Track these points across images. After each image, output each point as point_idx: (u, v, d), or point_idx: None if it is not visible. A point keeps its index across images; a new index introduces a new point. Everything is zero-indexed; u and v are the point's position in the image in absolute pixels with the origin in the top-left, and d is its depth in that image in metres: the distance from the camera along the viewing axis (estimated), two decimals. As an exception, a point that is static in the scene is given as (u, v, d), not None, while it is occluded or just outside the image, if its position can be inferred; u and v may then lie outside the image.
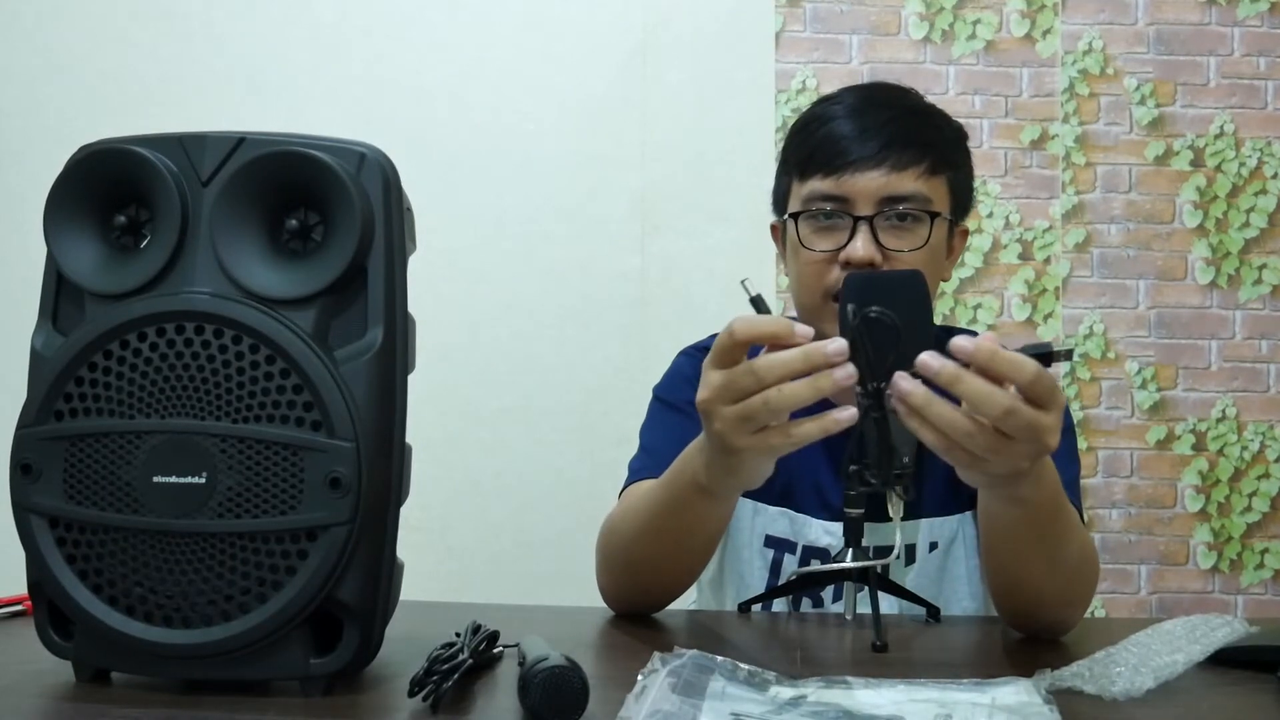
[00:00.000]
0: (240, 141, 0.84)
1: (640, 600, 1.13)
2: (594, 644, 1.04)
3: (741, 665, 0.82)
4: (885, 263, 1.15)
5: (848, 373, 0.81)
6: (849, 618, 1.10)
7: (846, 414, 0.82)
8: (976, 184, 1.28)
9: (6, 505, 0.84)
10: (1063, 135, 2.35)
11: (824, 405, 0.91)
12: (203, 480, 0.80)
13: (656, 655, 0.82)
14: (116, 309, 0.83)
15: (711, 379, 0.86)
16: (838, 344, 0.82)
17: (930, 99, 1.26)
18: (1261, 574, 2.35)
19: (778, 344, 0.84)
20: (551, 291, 2.32)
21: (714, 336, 1.35)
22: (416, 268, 0.87)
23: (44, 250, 0.86)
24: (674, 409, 1.27)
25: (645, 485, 1.14)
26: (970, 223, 1.29)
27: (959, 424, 0.80)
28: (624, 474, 1.24)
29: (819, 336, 1.22)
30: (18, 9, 2.35)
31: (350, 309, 0.84)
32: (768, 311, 0.91)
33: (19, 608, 1.11)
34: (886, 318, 0.84)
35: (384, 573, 0.84)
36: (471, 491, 2.29)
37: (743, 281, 0.92)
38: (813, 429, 0.83)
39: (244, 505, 0.80)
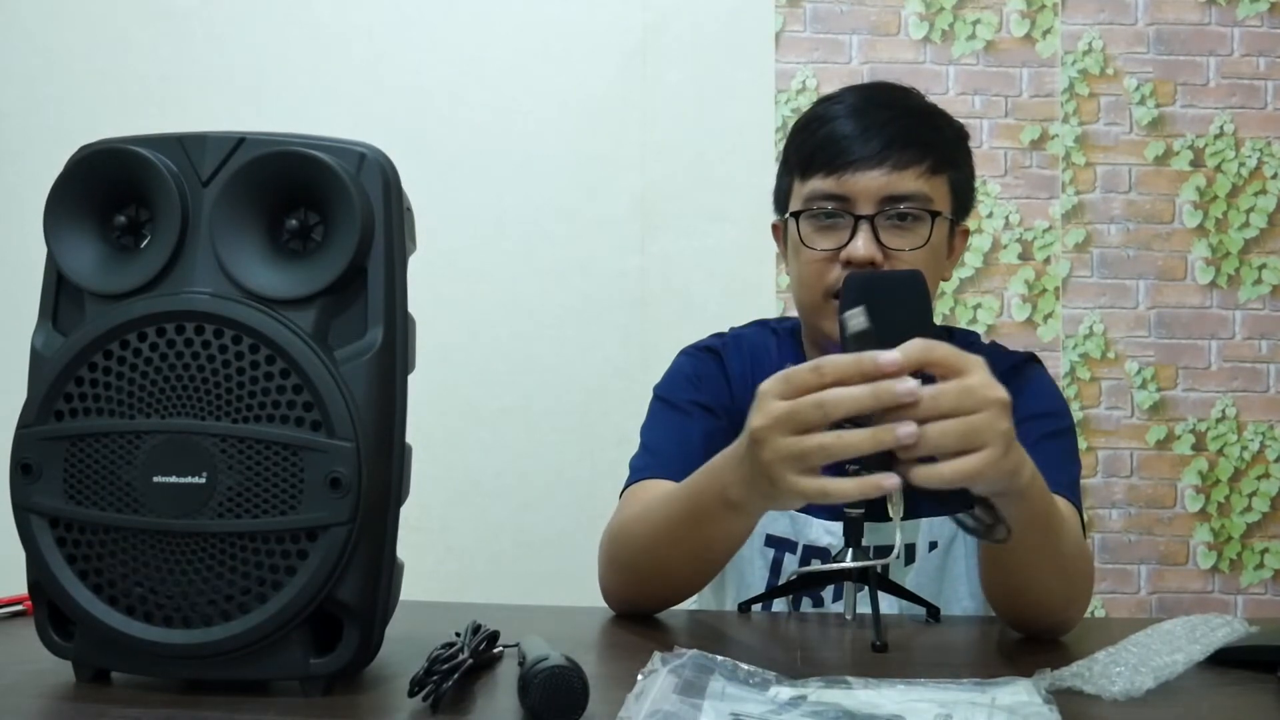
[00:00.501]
0: (240, 141, 0.84)
1: (645, 603, 1.13)
2: (594, 644, 1.04)
3: (742, 665, 0.82)
4: (886, 261, 1.15)
5: (911, 431, 0.77)
6: (849, 618, 1.10)
7: (890, 481, 0.78)
8: (976, 184, 1.28)
9: (6, 505, 0.84)
10: (1063, 135, 2.35)
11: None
12: (203, 480, 0.80)
13: (657, 655, 0.82)
14: (116, 309, 0.83)
15: (772, 408, 0.81)
16: (908, 385, 0.77)
17: (930, 99, 1.26)
18: (1261, 574, 2.35)
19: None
20: (551, 291, 2.32)
21: (715, 336, 1.36)
22: (416, 268, 0.87)
23: (44, 250, 0.86)
24: (676, 408, 1.27)
25: (657, 490, 1.14)
26: (970, 223, 1.29)
27: (931, 432, 0.77)
28: (624, 474, 1.24)
29: (819, 335, 1.23)
30: (18, 9, 2.35)
31: (350, 309, 0.84)
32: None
33: (19, 608, 1.11)
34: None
35: (384, 573, 0.84)
36: (471, 491, 2.29)
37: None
38: (851, 489, 0.80)
39: (244, 505, 0.80)
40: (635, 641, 1.03)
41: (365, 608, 0.83)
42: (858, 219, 1.16)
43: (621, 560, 1.13)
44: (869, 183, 1.16)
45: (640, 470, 1.21)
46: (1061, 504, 1.12)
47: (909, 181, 1.16)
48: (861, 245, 1.15)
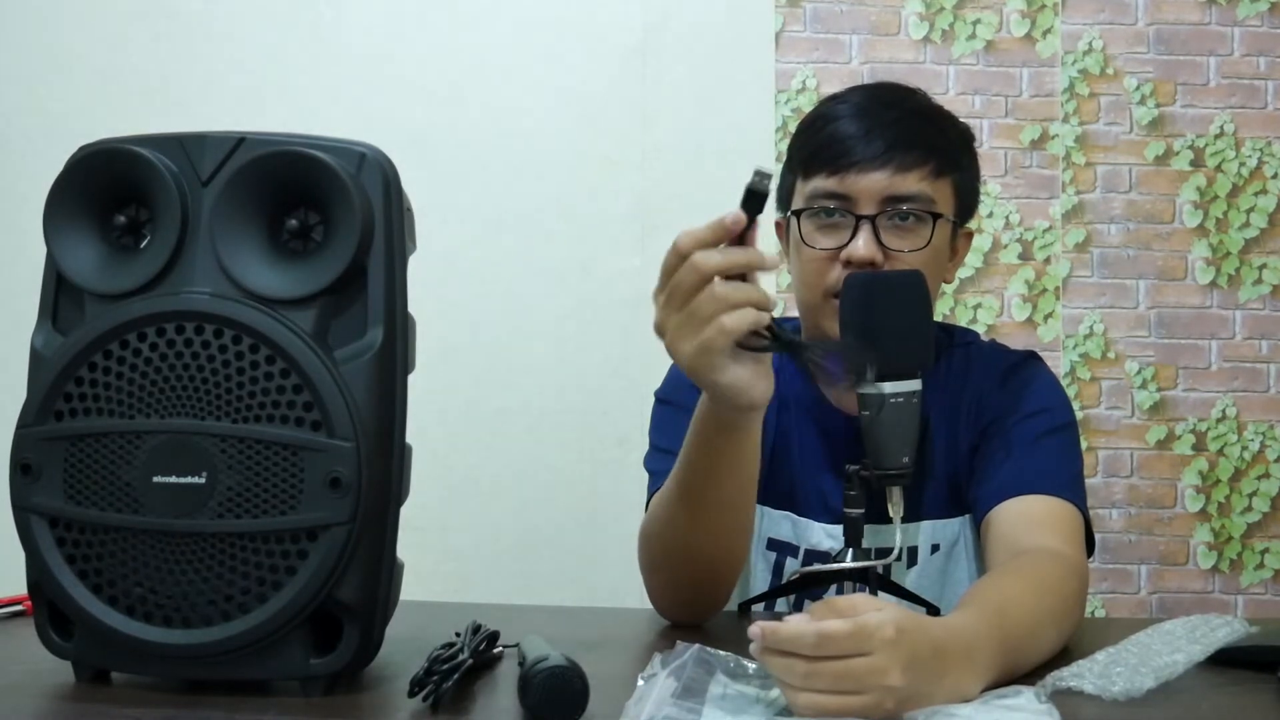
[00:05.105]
0: (240, 141, 0.84)
1: (686, 602, 1.12)
2: (594, 644, 1.04)
3: (746, 661, 0.82)
4: (886, 262, 1.15)
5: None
6: (849, 618, 1.10)
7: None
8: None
9: (6, 505, 0.84)
10: (1063, 135, 2.35)
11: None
12: (203, 480, 0.80)
13: (656, 657, 0.82)
14: (116, 309, 0.83)
15: (660, 300, 0.91)
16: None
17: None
18: (1261, 574, 2.35)
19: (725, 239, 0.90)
20: (551, 291, 2.32)
21: None
22: (416, 268, 0.87)
23: (44, 250, 0.86)
24: (681, 408, 1.26)
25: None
26: (971, 224, 1.29)
27: (800, 666, 0.74)
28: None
29: (818, 334, 1.23)
30: (18, 9, 2.35)
31: (350, 309, 0.84)
32: (758, 209, 0.90)
33: (19, 608, 1.11)
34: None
35: (384, 573, 0.84)
36: (471, 491, 2.29)
37: (757, 170, 0.90)
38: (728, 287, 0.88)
39: (244, 505, 0.80)
40: (635, 641, 1.03)
41: (365, 608, 0.83)
42: (859, 219, 1.16)
43: (656, 559, 1.12)
44: (871, 183, 1.15)
45: (660, 474, 1.20)
46: (1056, 506, 1.12)
47: (911, 183, 1.16)
48: (862, 245, 1.15)
